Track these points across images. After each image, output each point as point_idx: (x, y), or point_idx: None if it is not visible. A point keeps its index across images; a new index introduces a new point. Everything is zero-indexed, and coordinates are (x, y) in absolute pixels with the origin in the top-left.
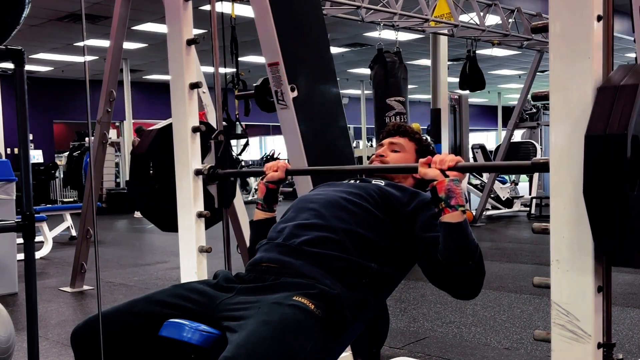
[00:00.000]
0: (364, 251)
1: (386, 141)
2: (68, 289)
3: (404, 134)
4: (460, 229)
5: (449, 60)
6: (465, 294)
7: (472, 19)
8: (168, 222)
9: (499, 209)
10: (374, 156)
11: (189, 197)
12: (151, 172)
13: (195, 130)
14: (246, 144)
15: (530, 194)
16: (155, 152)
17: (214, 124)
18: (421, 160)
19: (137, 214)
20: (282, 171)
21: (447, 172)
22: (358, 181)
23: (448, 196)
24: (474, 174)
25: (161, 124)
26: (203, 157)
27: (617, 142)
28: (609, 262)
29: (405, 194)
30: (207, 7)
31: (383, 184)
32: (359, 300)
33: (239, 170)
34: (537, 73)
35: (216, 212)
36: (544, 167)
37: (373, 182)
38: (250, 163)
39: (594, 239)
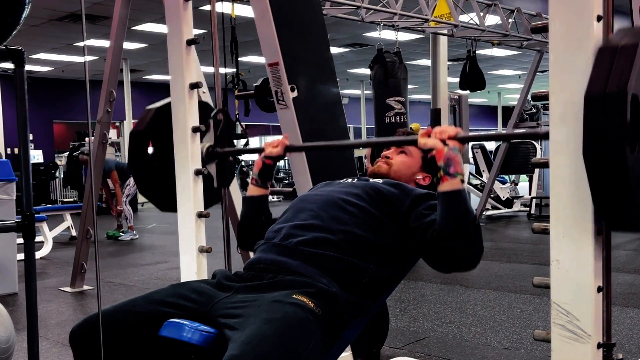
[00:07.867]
0: (361, 252)
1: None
2: (68, 289)
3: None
4: (459, 196)
5: (449, 60)
6: (465, 264)
7: (472, 19)
8: (167, 201)
9: (499, 209)
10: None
11: (189, 197)
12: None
13: (195, 130)
14: (246, 144)
15: (530, 194)
16: (155, 131)
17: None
18: (421, 131)
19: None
20: (281, 147)
21: (447, 142)
22: (356, 179)
23: (447, 164)
24: (474, 173)
25: (159, 102)
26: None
27: (616, 101)
28: (608, 227)
29: (401, 191)
30: (207, 7)
31: (381, 182)
32: (355, 303)
33: (238, 148)
34: (537, 73)
35: (215, 192)
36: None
37: (371, 180)
38: (250, 163)
39: (594, 203)
